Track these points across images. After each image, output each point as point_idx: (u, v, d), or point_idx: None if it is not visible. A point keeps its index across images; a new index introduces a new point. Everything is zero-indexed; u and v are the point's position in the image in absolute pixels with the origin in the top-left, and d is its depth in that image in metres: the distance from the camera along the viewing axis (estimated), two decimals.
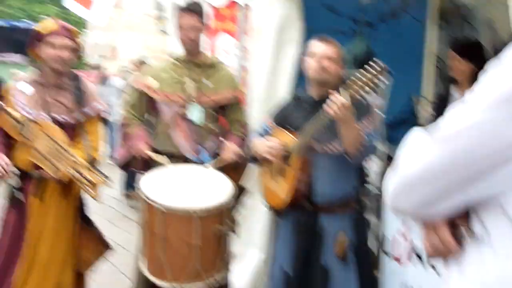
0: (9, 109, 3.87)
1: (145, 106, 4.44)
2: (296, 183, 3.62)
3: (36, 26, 4.07)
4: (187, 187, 3.90)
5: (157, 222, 3.67)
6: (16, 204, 3.92)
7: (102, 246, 4.15)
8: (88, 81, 4.30)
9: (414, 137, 1.53)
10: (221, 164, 4.13)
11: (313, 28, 4.94)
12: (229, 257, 4.00)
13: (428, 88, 5.64)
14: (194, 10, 4.35)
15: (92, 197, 3.70)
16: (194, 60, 4.40)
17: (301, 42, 4.68)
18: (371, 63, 3.17)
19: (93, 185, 3.64)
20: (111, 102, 10.63)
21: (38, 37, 3.96)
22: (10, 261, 3.91)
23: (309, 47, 3.70)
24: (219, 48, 5.86)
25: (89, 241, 4.06)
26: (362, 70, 3.17)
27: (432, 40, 5.60)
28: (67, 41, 3.95)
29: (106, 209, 9.09)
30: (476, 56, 4.48)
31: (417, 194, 1.45)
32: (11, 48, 40.64)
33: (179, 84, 4.33)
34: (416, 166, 1.44)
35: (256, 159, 3.90)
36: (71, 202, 3.98)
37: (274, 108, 4.06)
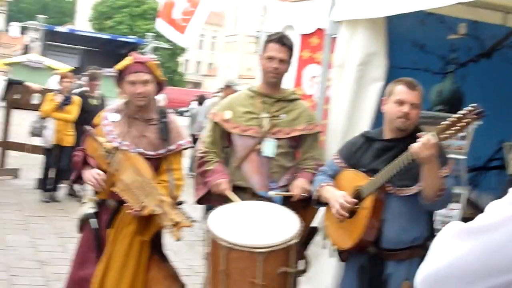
0: (99, 138, 3.96)
1: (223, 139, 4.40)
2: (366, 227, 3.49)
3: (117, 65, 4.14)
4: (254, 224, 3.86)
5: (221, 258, 3.64)
6: (90, 230, 4.00)
7: (177, 285, 4.06)
8: (174, 116, 4.30)
9: (451, 227, 1.39)
10: (293, 198, 4.04)
11: (398, 65, 4.78)
12: None
13: None
14: (285, 43, 4.27)
15: (175, 239, 3.65)
16: (272, 94, 4.34)
17: (384, 79, 4.49)
18: (468, 107, 3.06)
19: (177, 225, 3.57)
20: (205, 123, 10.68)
21: (120, 75, 4.06)
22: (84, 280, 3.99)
23: (395, 93, 3.57)
24: (305, 76, 5.71)
25: (164, 278, 4.00)
26: (457, 114, 3.06)
27: None
28: (142, 75, 3.98)
29: (186, 231, 9.09)
30: None
31: None
32: (116, 62, 41.91)
33: (255, 118, 4.28)
34: (445, 260, 1.32)
35: (321, 203, 3.82)
36: (146, 237, 3.94)
37: (343, 145, 3.97)
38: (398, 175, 3.39)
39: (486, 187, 5.33)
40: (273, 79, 4.27)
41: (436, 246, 1.37)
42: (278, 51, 4.21)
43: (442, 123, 3.14)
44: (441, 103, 5.14)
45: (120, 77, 4.05)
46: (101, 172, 3.87)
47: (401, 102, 3.51)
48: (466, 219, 4.89)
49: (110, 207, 3.96)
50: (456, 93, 5.20)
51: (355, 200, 3.55)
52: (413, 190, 3.44)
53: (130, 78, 3.96)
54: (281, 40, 4.25)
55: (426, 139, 3.14)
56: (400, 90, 3.54)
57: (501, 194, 4.39)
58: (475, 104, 3.06)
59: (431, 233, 3.60)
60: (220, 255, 3.62)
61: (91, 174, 3.86)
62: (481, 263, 1.25)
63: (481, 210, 4.42)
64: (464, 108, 3.06)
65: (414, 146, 3.18)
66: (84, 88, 10.34)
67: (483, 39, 5.20)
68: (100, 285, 3.88)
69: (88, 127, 4.08)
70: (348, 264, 3.77)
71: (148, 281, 3.95)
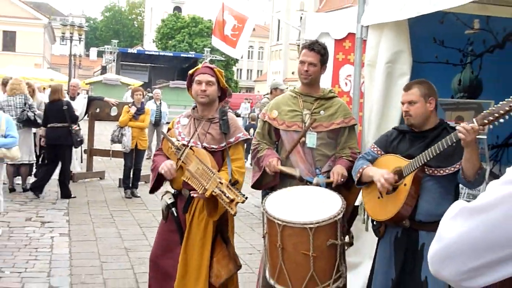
0: (171, 138, 4.12)
1: (271, 134, 4.44)
2: (405, 201, 3.51)
3: (190, 71, 4.28)
4: (303, 204, 3.86)
5: (277, 235, 3.67)
6: (171, 217, 4.08)
7: (232, 265, 4.07)
8: (232, 114, 4.38)
9: (455, 206, 1.36)
10: (333, 183, 4.05)
11: (422, 60, 4.72)
12: (344, 267, 3.87)
13: None
14: (315, 48, 4.28)
15: (231, 213, 3.70)
16: (311, 93, 4.36)
17: (410, 74, 4.46)
18: (508, 99, 2.97)
19: (232, 202, 3.59)
20: None
21: (190, 78, 4.18)
22: (165, 261, 4.11)
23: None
24: (341, 75, 5.68)
25: (223, 258, 4.03)
26: (499, 104, 2.98)
27: None
28: (208, 76, 4.08)
29: (248, 216, 9.15)
30: None
31: (454, 265, 1.30)
32: (179, 75, 42.56)
33: (298, 115, 4.30)
34: (451, 237, 1.30)
35: (362, 182, 3.83)
36: (214, 217, 3.97)
37: (379, 137, 4.02)
38: (435, 158, 3.41)
39: (506, 161, 5.24)
40: (304, 80, 4.30)
41: (443, 224, 1.35)
42: (308, 55, 4.25)
43: (483, 112, 3.11)
44: (462, 90, 5.06)
45: (190, 80, 4.16)
46: (173, 162, 3.99)
47: (402, 103, 3.69)
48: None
49: (185, 195, 4.03)
50: (474, 81, 5.11)
51: (396, 176, 3.59)
52: (446, 170, 3.44)
53: (198, 78, 4.07)
54: (311, 46, 4.28)
55: (467, 125, 3.14)
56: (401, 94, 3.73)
57: None
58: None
59: None
60: (276, 232, 3.66)
61: (165, 164, 3.97)
62: (482, 239, 1.23)
63: None
64: (506, 99, 2.98)
65: (461, 131, 3.16)
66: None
67: (495, 32, 5.11)
68: (185, 264, 3.95)
69: (164, 131, 4.21)
70: (383, 236, 3.77)
71: (211, 258, 4.00)
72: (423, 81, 3.67)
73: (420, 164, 3.46)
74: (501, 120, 2.98)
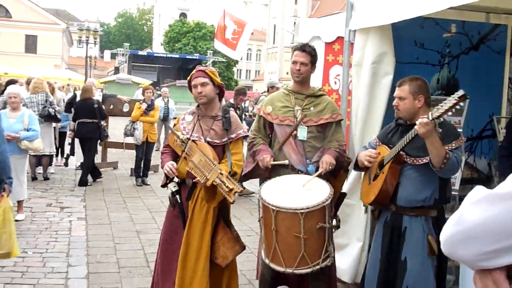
0: (177, 132, 4.10)
1: (266, 128, 4.42)
2: (383, 185, 3.55)
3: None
4: (295, 191, 3.86)
5: (271, 219, 3.68)
6: (176, 204, 4.06)
7: (238, 246, 4.07)
8: (233, 112, 4.34)
9: (477, 192, 1.29)
10: (322, 171, 4.03)
11: (404, 61, 4.71)
12: (332, 248, 3.88)
13: (507, 109, 5.33)
14: (306, 50, 4.28)
15: (230, 201, 3.68)
16: (302, 91, 4.35)
17: (393, 73, 4.46)
18: (457, 93, 3.11)
19: (231, 191, 3.59)
20: None
21: (189, 82, 4.15)
22: (171, 243, 4.09)
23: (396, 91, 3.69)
24: (330, 75, 5.67)
25: (228, 241, 4.02)
26: (447, 97, 3.14)
27: (509, 68, 5.23)
28: (201, 79, 4.06)
29: (248, 202, 9.16)
30: None
31: (474, 246, 1.24)
32: (185, 75, 42.42)
33: (290, 110, 4.30)
34: (473, 220, 1.23)
35: (358, 166, 3.89)
36: (213, 204, 3.96)
37: (381, 130, 4.09)
38: (415, 149, 3.45)
39: (480, 152, 5.23)
40: (297, 78, 4.29)
41: (464, 208, 1.28)
42: (299, 56, 4.24)
43: (436, 107, 3.19)
44: (440, 88, 5.05)
45: (189, 84, 4.15)
46: (174, 163, 3.99)
47: (394, 98, 3.66)
48: (464, 179, 4.83)
49: (188, 184, 4.02)
50: (452, 80, 5.09)
51: (378, 152, 3.69)
52: (424, 160, 3.43)
53: (193, 82, 4.06)
54: (302, 48, 4.28)
55: (421, 120, 3.21)
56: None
57: (493, 157, 4.29)
58: (459, 92, 3.10)
59: (444, 198, 3.56)
60: (270, 217, 3.67)
61: (167, 165, 3.98)
62: (505, 224, 1.19)
63: (476, 171, 4.37)
64: (451, 96, 3.11)
65: (417, 125, 3.23)
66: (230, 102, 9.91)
67: (471, 35, 5.09)
68: (186, 246, 3.95)
69: (171, 126, 4.25)
70: (379, 219, 3.79)
71: (216, 242, 4.00)
72: (416, 79, 3.58)
73: (394, 154, 3.50)
74: (449, 113, 3.12)
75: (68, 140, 12.27)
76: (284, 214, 3.62)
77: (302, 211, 3.57)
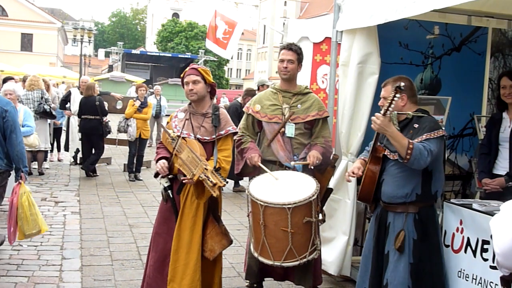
0: (168, 130, 4.07)
1: (255, 126, 4.42)
2: (364, 180, 3.61)
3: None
4: (282, 187, 3.87)
5: (259, 213, 3.69)
6: (168, 198, 4.04)
7: (225, 241, 4.04)
8: (223, 109, 4.29)
9: (508, 208, 1.27)
10: (308, 165, 4.05)
11: (389, 61, 4.73)
12: (319, 241, 3.89)
13: (488, 108, 5.37)
14: (292, 48, 4.31)
15: (214, 195, 3.65)
16: (290, 90, 4.36)
17: (378, 73, 4.47)
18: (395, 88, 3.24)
19: (215, 186, 3.57)
20: None
21: (182, 80, 4.13)
22: (163, 236, 4.07)
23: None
24: (318, 74, 5.68)
25: (216, 235, 4.00)
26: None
27: (490, 69, 5.28)
28: (193, 77, 4.04)
29: (238, 197, 9.17)
30: None
31: None
32: (177, 73, 42.35)
33: (278, 108, 4.30)
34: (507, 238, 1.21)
35: None
36: (202, 200, 3.94)
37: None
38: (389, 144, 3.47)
39: (461, 149, 5.26)
40: (284, 76, 4.30)
41: (499, 227, 1.23)
42: (286, 54, 4.26)
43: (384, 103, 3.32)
44: (423, 88, 5.06)
45: (182, 82, 4.13)
46: (165, 162, 3.97)
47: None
48: (446, 175, 4.87)
49: (179, 180, 4.00)
50: (434, 80, 5.11)
51: (359, 173, 3.70)
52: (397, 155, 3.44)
53: (185, 80, 4.05)
54: (289, 46, 4.31)
55: (373, 117, 3.32)
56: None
57: (473, 154, 4.30)
58: (396, 85, 3.22)
59: (428, 194, 3.52)
60: (259, 212, 3.68)
61: (158, 163, 3.98)
62: None
63: (457, 167, 4.39)
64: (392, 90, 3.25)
65: (372, 121, 3.34)
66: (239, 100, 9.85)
67: (453, 37, 5.11)
68: (178, 239, 3.94)
69: (163, 124, 4.23)
70: (373, 213, 3.80)
71: (205, 236, 3.98)
72: (398, 78, 3.55)
73: (370, 153, 3.58)
74: (391, 108, 3.24)
75: (63, 135, 12.22)
76: (272, 209, 3.63)
77: (289, 206, 3.57)
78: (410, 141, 3.32)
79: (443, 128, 3.63)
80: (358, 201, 3.84)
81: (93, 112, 10.16)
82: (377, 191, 3.61)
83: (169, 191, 4.02)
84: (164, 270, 3.97)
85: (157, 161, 4.06)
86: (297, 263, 3.70)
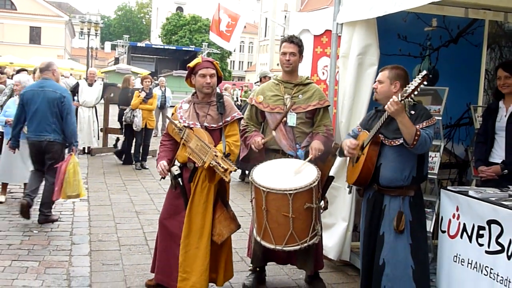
0: (174, 120, 4.08)
1: (258, 116, 4.43)
2: (364, 165, 3.58)
3: (189, 64, 4.16)
4: (285, 174, 3.88)
5: (262, 199, 3.71)
6: (178, 186, 4.04)
7: (234, 225, 4.05)
8: (228, 96, 4.28)
9: None
10: (310, 156, 4.05)
11: (388, 53, 4.71)
12: (320, 227, 3.91)
13: (484, 98, 5.35)
14: (294, 41, 4.30)
15: (226, 180, 3.73)
16: (290, 80, 4.36)
17: (377, 64, 4.46)
18: (421, 73, 3.21)
19: (226, 171, 3.62)
20: None
21: (191, 71, 4.09)
22: (172, 222, 4.10)
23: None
24: (319, 66, 5.65)
25: (224, 219, 4.01)
26: (413, 82, 3.21)
27: (486, 60, 5.27)
28: (210, 70, 4.04)
29: (241, 185, 9.18)
30: None
31: None
32: (181, 66, 42.26)
33: (280, 99, 4.31)
34: None
35: (343, 153, 3.86)
36: (213, 186, 3.97)
37: (363, 118, 4.08)
38: (391, 131, 3.49)
39: (457, 139, 5.26)
40: (286, 68, 4.30)
41: None
42: (288, 47, 4.26)
43: (404, 89, 3.28)
44: None
45: (191, 73, 4.09)
46: (165, 163, 4.05)
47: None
48: (443, 163, 4.87)
49: (189, 168, 4.01)
50: (432, 71, 5.11)
51: (357, 142, 3.68)
52: (400, 141, 3.46)
53: (202, 72, 4.00)
54: (290, 39, 4.30)
55: (391, 99, 3.28)
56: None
57: (469, 143, 4.30)
58: (422, 73, 3.19)
59: (421, 175, 3.59)
60: (261, 197, 3.70)
61: (159, 165, 4.06)
62: None
63: (454, 156, 4.40)
64: (417, 76, 3.19)
65: (387, 105, 3.31)
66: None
67: (450, 29, 5.09)
68: (189, 225, 3.95)
69: (168, 115, 4.24)
70: (363, 196, 3.82)
71: (214, 220, 4.00)
72: (396, 67, 3.64)
73: (371, 137, 3.54)
74: (415, 93, 3.19)
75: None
76: (274, 195, 3.64)
77: (290, 192, 3.59)
78: (417, 128, 3.35)
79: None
80: (352, 185, 3.81)
81: (128, 103, 10.38)
82: (373, 175, 3.61)
83: (179, 179, 4.03)
84: (175, 254, 3.99)
85: (157, 162, 4.09)
86: (297, 247, 3.73)
